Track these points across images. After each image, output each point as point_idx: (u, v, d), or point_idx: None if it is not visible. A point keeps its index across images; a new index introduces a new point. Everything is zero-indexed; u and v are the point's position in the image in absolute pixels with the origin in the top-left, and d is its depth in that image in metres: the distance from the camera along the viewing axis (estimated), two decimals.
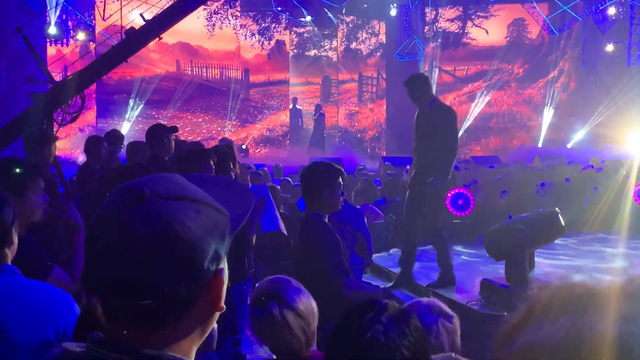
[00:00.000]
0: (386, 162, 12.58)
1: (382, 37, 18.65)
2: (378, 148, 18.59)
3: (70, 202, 2.76)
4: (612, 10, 16.21)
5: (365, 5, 17.41)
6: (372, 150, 18.31)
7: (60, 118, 5.32)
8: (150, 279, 0.85)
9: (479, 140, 18.67)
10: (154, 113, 16.32)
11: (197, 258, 0.88)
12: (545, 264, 5.73)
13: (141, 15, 5.62)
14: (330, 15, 17.34)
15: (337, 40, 18.26)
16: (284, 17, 17.62)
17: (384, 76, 18.71)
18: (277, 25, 17.88)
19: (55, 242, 2.67)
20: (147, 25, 5.53)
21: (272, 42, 18.00)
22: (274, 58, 18.15)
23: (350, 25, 18.47)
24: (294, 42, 18.29)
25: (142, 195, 0.89)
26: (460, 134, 17.08)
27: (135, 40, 5.48)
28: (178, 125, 5.82)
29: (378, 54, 18.76)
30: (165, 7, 5.89)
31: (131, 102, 15.83)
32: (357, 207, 5.75)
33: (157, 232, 0.86)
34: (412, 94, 5.34)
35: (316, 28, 18.09)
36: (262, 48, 17.86)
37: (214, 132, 17.13)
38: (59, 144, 4.65)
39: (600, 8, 16.32)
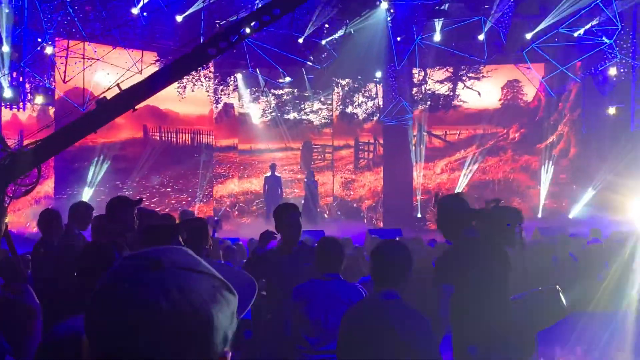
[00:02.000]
0: (372, 235, 12.43)
1: (380, 101, 18.77)
2: (375, 219, 18.58)
3: (27, 284, 2.72)
4: (612, 71, 16.24)
5: (341, 77, 17.99)
6: (368, 221, 18.31)
7: (12, 189, 5.06)
8: (164, 351, 0.86)
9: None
10: (118, 183, 16.25)
11: (211, 335, 0.90)
12: (547, 348, 5.74)
13: (118, 85, 5.51)
14: (306, 77, 17.66)
15: (331, 103, 18.69)
16: (231, 79, 17.85)
17: (381, 142, 18.83)
18: (225, 88, 17.97)
19: (7, 327, 2.61)
20: (121, 95, 5.38)
21: (220, 106, 18.06)
22: (222, 122, 18.28)
23: (347, 88, 18.74)
24: (271, 105, 18.56)
25: (158, 263, 0.90)
26: None
27: (106, 110, 5.34)
28: (144, 196, 5.58)
29: (375, 118, 18.95)
30: (146, 77, 5.87)
31: (93, 170, 15.68)
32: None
33: (175, 302, 0.87)
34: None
35: (296, 90, 18.42)
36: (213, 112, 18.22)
37: (184, 202, 17.15)
38: (11, 217, 4.63)
39: (600, 69, 16.40)
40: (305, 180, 17.71)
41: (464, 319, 3.72)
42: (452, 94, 18.71)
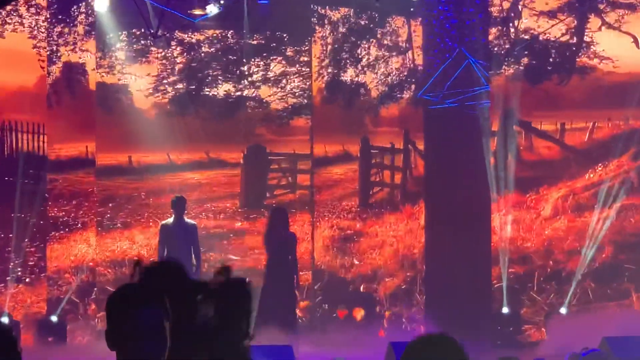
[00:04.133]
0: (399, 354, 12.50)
1: (416, 56, 18.46)
2: (408, 318, 18.37)
3: None
4: None
5: None
6: (393, 322, 18.27)
7: None
8: None
9: (623, 295, 18.18)
10: None
11: None
12: None
13: None
14: (246, 7, 17.68)
15: (307, 61, 18.83)
16: (82, 10, 17.92)
17: (421, 147, 18.56)
18: (68, 29, 17.78)
19: None
20: None
21: (57, 69, 17.90)
22: (62, 105, 18.08)
23: (343, 29, 18.61)
24: (175, 68, 18.40)
25: None
26: (573, 286, 18.49)
27: None
28: None
29: (406, 94, 18.69)
30: None
31: None
32: None
33: None
34: None
35: (230, 34, 18.35)
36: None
37: None
38: None
39: None
40: (266, 233, 17.04)
41: None
42: (575, 40, 18.31)
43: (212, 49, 18.42)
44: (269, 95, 18.59)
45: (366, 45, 18.64)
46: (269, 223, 17.16)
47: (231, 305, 4.17)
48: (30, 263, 17.32)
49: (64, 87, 17.88)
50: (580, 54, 18.44)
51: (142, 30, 17.78)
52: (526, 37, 18.51)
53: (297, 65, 18.64)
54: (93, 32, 17.92)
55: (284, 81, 18.58)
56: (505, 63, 18.47)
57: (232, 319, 4.19)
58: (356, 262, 18.55)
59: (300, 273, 17.92)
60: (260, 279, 16.94)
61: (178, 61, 18.37)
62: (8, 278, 16.91)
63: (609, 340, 14.39)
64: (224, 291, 4.18)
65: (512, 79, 18.35)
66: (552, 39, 18.46)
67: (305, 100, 18.64)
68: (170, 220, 16.54)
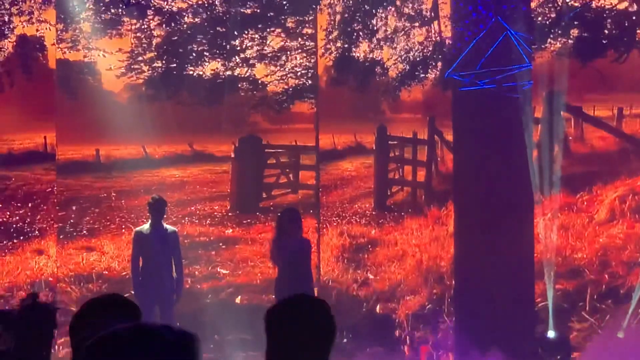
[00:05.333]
0: None
1: (444, 27, 17.85)
2: (433, 344, 18.21)
3: None
4: None
5: None
6: (417, 350, 18.17)
7: None
8: None
9: None
10: None
11: None
12: None
13: None
14: None
15: (311, 34, 18.36)
16: None
17: (449, 139, 18.08)
18: None
19: None
20: None
21: (8, 45, 17.32)
22: (13, 89, 17.38)
23: None
24: (152, 42, 17.62)
25: None
26: (633, 305, 19.12)
27: None
28: None
29: (431, 74, 18.24)
30: None
31: None
32: None
33: None
34: None
35: (218, 0, 17.92)
36: None
37: None
38: None
39: None
40: (275, 240, 15.90)
41: None
42: (636, 8, 17.91)
43: (196, 19, 17.66)
44: (266, 75, 17.92)
45: (383, 14, 17.84)
46: (278, 227, 15.88)
47: (31, 332, 4.90)
48: None
49: (18, 66, 17.12)
50: None
51: None
52: (576, 4, 17.76)
53: (300, 39, 17.96)
54: None
55: (284, 58, 17.94)
56: (551, 36, 17.68)
57: (32, 347, 4.99)
58: (371, 276, 17.97)
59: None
60: (257, 295, 16.94)
61: (155, 34, 17.61)
62: None
63: None
64: (24, 319, 4.95)
65: (559, 55, 17.63)
66: (608, 6, 17.69)
67: (309, 81, 17.96)
68: (147, 226, 15.67)
